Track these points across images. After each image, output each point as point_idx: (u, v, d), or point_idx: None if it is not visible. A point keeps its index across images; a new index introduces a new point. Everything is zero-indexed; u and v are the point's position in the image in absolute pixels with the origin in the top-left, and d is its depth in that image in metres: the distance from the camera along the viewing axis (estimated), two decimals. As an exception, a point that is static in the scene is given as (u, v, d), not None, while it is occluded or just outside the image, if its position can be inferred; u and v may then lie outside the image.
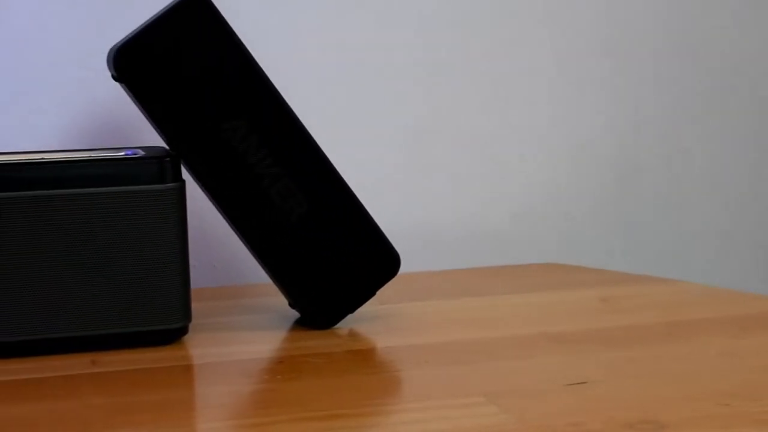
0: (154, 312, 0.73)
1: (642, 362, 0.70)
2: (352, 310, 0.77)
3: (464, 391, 0.65)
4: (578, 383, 0.65)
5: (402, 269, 0.78)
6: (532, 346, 0.74)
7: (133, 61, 0.72)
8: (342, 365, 0.70)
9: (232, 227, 0.77)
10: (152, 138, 0.82)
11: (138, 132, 0.88)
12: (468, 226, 0.99)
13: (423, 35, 0.98)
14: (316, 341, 0.75)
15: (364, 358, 0.73)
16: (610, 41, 1.02)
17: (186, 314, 0.74)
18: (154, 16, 0.73)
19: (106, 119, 0.90)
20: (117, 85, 0.75)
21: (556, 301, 0.86)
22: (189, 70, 0.73)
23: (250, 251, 0.77)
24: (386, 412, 0.64)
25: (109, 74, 0.75)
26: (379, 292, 0.78)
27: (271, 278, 0.78)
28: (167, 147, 0.76)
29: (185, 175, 0.74)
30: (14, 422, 0.61)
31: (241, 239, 0.77)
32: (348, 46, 0.96)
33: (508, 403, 0.62)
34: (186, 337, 0.75)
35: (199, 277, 0.79)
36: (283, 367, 0.70)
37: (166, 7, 0.73)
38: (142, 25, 0.74)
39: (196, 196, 0.77)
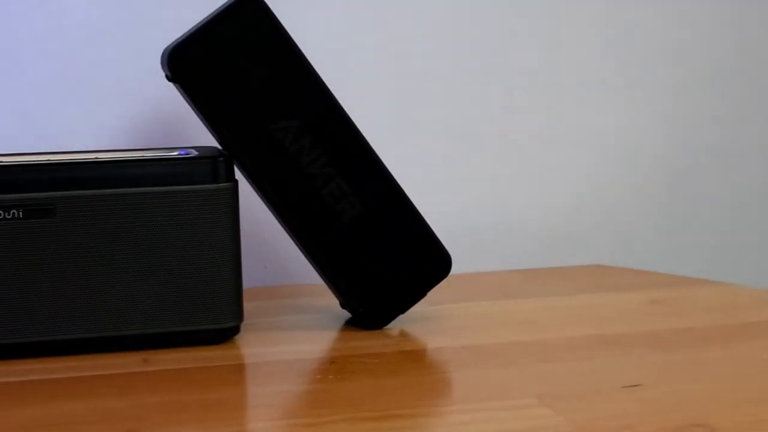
0: (207, 311, 0.73)
1: (695, 366, 0.70)
2: (403, 310, 0.77)
3: (516, 392, 0.65)
4: (632, 386, 0.65)
5: (452, 270, 0.78)
6: (584, 348, 0.73)
7: (187, 62, 0.73)
8: (393, 366, 0.70)
9: (284, 227, 0.77)
10: (204, 138, 0.82)
11: (189, 132, 0.88)
12: (517, 227, 0.99)
13: (469, 37, 0.97)
14: (367, 341, 0.75)
15: (415, 358, 0.73)
16: (664, 42, 1.02)
17: (238, 314, 0.74)
18: (208, 16, 0.74)
19: (158, 119, 0.91)
20: (169, 85, 0.76)
21: (605, 303, 0.86)
22: (242, 71, 0.73)
23: (301, 251, 0.77)
24: (439, 413, 0.64)
25: (162, 74, 0.76)
26: (429, 293, 0.78)
27: (322, 278, 0.78)
28: (220, 147, 0.77)
29: (238, 175, 0.75)
30: (68, 419, 0.61)
31: (293, 239, 0.77)
32: (397, 48, 0.96)
33: (562, 405, 0.62)
34: (237, 337, 0.75)
35: (249, 277, 0.79)
36: (335, 367, 0.70)
37: (220, 7, 0.74)
38: (195, 25, 0.74)
39: (247, 196, 0.77)
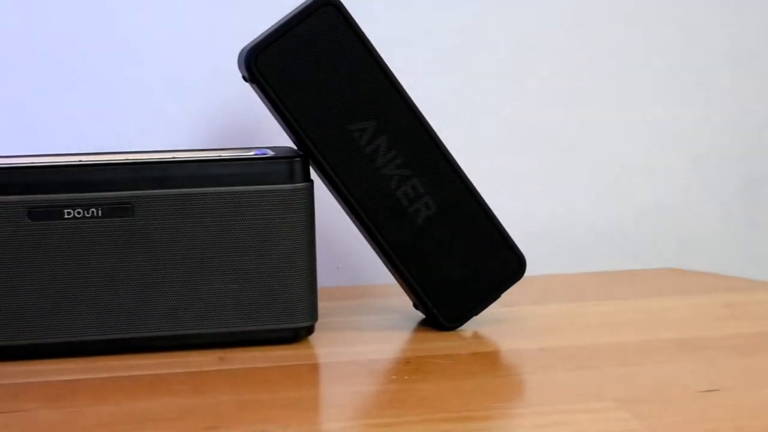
0: (282, 311, 0.74)
1: (773, 370, 0.69)
2: (477, 312, 0.77)
3: (593, 395, 0.65)
4: (710, 390, 0.64)
5: (526, 272, 0.78)
6: (660, 351, 0.73)
7: (265, 62, 0.73)
8: (468, 367, 0.70)
9: (358, 228, 0.77)
10: (276, 138, 0.83)
11: (262, 132, 0.89)
12: (590, 229, 0.98)
13: (540, 36, 0.97)
14: (441, 342, 0.75)
15: (489, 360, 0.72)
16: (738, 47, 1.01)
17: (313, 313, 0.75)
18: (285, 17, 0.74)
19: (230, 120, 0.91)
20: (244, 85, 0.76)
21: (679, 306, 0.85)
22: (319, 72, 0.74)
23: (375, 252, 0.77)
24: (515, 416, 0.64)
25: (237, 75, 0.76)
26: (502, 295, 0.78)
27: (395, 279, 0.78)
28: (295, 147, 0.77)
29: (312, 175, 0.75)
30: (145, 416, 0.62)
31: (367, 240, 0.77)
32: (471, 48, 0.96)
33: (639, 408, 0.62)
34: (311, 336, 0.76)
35: (321, 277, 0.80)
36: (410, 367, 0.70)
37: (296, 9, 0.74)
38: (272, 26, 0.74)
39: (320, 197, 0.77)
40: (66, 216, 0.71)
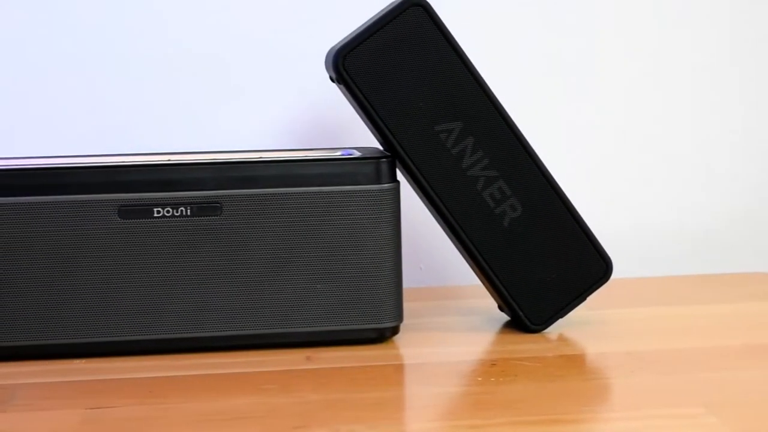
0: (368, 311, 0.74)
1: None
2: (563, 314, 0.77)
3: (682, 401, 0.64)
4: (802, 397, 0.64)
5: (612, 275, 0.77)
6: (751, 357, 0.72)
7: (352, 64, 0.73)
8: (555, 370, 0.70)
9: (444, 229, 0.77)
10: (364, 139, 0.83)
11: (349, 133, 0.89)
12: (678, 232, 0.97)
13: (634, 36, 0.96)
14: (527, 345, 0.74)
15: (576, 363, 0.72)
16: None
17: (398, 314, 0.75)
18: (372, 18, 0.74)
19: (319, 120, 0.92)
20: (331, 86, 0.76)
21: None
22: (406, 73, 0.74)
23: (461, 253, 0.77)
24: (603, 420, 0.63)
25: (324, 76, 0.77)
26: (588, 298, 0.77)
27: (480, 280, 0.78)
28: (382, 148, 0.77)
29: (398, 176, 0.75)
30: (234, 414, 0.63)
31: (452, 241, 0.77)
32: (558, 49, 0.95)
33: (730, 414, 0.61)
34: (396, 337, 0.76)
35: (404, 277, 0.80)
36: (496, 369, 0.70)
37: (384, 9, 0.74)
38: (360, 27, 0.75)
39: (404, 197, 0.77)
40: (155, 215, 0.72)
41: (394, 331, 0.75)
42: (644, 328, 0.79)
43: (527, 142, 0.75)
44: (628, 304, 0.85)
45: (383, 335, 0.75)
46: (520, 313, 0.77)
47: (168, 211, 0.72)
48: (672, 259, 0.97)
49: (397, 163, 0.75)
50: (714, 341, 0.76)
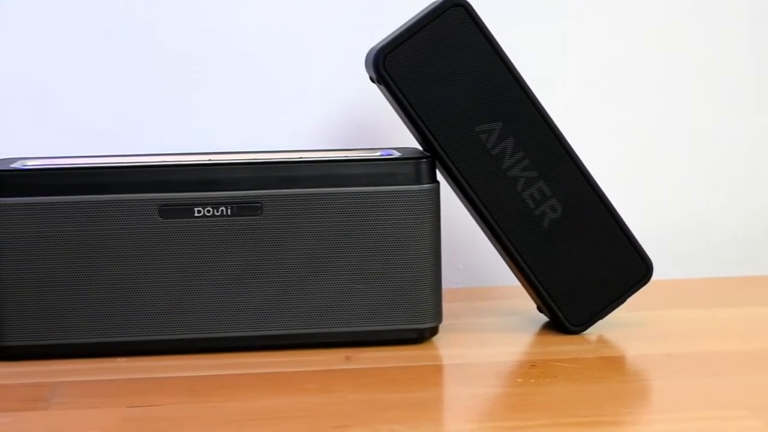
0: (407, 311, 0.74)
1: None
2: (602, 316, 0.77)
3: (724, 403, 0.64)
4: None
5: (653, 276, 0.77)
6: (792, 360, 0.72)
7: (393, 64, 0.73)
8: (595, 371, 0.69)
9: (483, 229, 0.77)
10: (404, 139, 0.83)
11: (388, 133, 0.89)
12: (719, 234, 0.97)
13: (673, 37, 0.96)
14: (566, 346, 0.74)
15: (616, 365, 0.72)
16: None
17: (437, 314, 0.75)
18: (413, 19, 0.74)
19: (358, 120, 0.92)
20: (371, 86, 0.76)
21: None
22: (447, 73, 0.74)
23: (500, 254, 0.77)
24: (644, 422, 0.63)
25: (364, 76, 0.77)
26: (628, 299, 0.77)
27: (519, 281, 0.78)
28: (421, 148, 0.77)
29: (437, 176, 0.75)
30: (276, 413, 0.63)
31: (491, 242, 0.77)
32: (598, 50, 0.95)
33: (773, 417, 0.61)
34: (435, 337, 0.76)
35: (443, 278, 0.80)
36: (536, 371, 0.69)
37: (424, 10, 0.74)
38: (400, 28, 0.75)
39: (442, 198, 0.77)
40: (196, 214, 0.72)
41: (433, 331, 0.75)
42: (685, 330, 0.79)
43: (567, 142, 0.75)
44: (668, 305, 0.85)
45: (422, 336, 0.75)
46: (560, 315, 0.76)
47: (208, 211, 0.72)
48: (713, 260, 0.96)
49: (437, 163, 0.75)
50: (756, 344, 0.75)
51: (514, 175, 0.75)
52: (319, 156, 0.76)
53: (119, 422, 0.62)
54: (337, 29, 0.92)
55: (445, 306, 0.76)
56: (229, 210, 0.72)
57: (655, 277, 0.77)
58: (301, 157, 0.75)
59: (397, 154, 0.76)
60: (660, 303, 0.84)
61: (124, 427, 0.61)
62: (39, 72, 0.90)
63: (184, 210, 0.72)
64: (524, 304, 0.81)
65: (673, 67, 0.96)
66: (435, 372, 0.71)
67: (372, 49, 0.75)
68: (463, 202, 0.77)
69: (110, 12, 0.90)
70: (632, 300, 0.77)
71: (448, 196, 0.78)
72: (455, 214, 0.82)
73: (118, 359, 0.72)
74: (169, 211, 0.72)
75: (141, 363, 0.71)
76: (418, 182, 0.73)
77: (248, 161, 0.73)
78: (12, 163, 0.75)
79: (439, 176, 0.75)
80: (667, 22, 0.96)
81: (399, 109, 0.75)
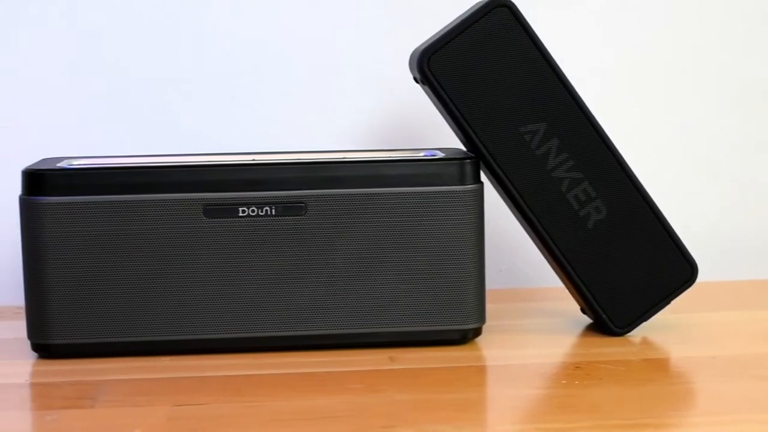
0: (451, 312, 0.74)
1: None
2: (647, 318, 0.76)
3: (769, 406, 0.64)
4: None
5: (698, 278, 0.77)
6: (840, 363, 0.71)
7: (437, 65, 0.73)
8: (639, 374, 0.69)
9: (527, 230, 0.77)
10: (446, 140, 0.83)
11: (431, 134, 0.89)
12: (765, 235, 0.96)
13: (718, 37, 0.95)
14: (610, 348, 0.74)
15: (660, 367, 0.71)
16: None
17: (481, 315, 0.75)
18: (457, 19, 0.74)
19: (402, 121, 0.92)
20: (414, 86, 0.76)
21: None
22: (491, 73, 0.74)
23: (544, 255, 0.77)
24: (691, 424, 0.63)
25: (408, 76, 0.77)
26: (672, 301, 0.77)
27: (563, 283, 0.78)
28: (464, 149, 0.77)
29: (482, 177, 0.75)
30: (322, 413, 0.63)
31: (535, 242, 0.77)
32: (645, 49, 0.94)
33: (820, 421, 0.60)
34: (479, 338, 0.76)
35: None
36: (580, 372, 0.69)
37: (469, 10, 0.74)
38: (444, 28, 0.75)
39: (485, 199, 0.77)
40: (241, 214, 0.72)
41: (477, 332, 0.75)
42: (729, 332, 0.78)
43: (612, 143, 0.75)
44: (713, 307, 0.84)
45: (466, 336, 0.75)
46: (604, 316, 0.76)
47: (253, 211, 0.72)
48: (759, 262, 0.95)
49: (481, 164, 0.75)
50: (802, 346, 0.75)
51: (559, 176, 0.75)
52: (364, 156, 0.76)
53: (165, 420, 0.62)
54: (382, 30, 0.92)
55: (488, 307, 0.76)
56: (273, 210, 0.72)
57: (699, 278, 0.77)
58: (345, 158, 0.75)
59: (441, 155, 0.76)
60: (704, 305, 0.84)
61: (169, 425, 0.61)
62: (85, 72, 0.90)
63: (229, 210, 0.72)
64: (567, 305, 0.81)
65: (724, 65, 0.95)
66: (478, 373, 0.71)
67: (416, 49, 0.75)
68: (506, 203, 0.77)
69: (153, 12, 0.90)
70: (676, 302, 0.77)
71: (491, 197, 0.78)
72: (496, 215, 0.82)
73: (162, 358, 0.73)
74: (213, 210, 0.72)
75: (185, 362, 0.72)
76: (462, 183, 0.73)
77: (293, 161, 0.74)
78: (57, 162, 0.75)
79: (483, 177, 0.75)
80: (717, 17, 0.95)
81: (443, 110, 0.75)
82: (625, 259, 0.76)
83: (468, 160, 0.74)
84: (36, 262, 0.72)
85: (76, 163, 0.75)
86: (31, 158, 0.79)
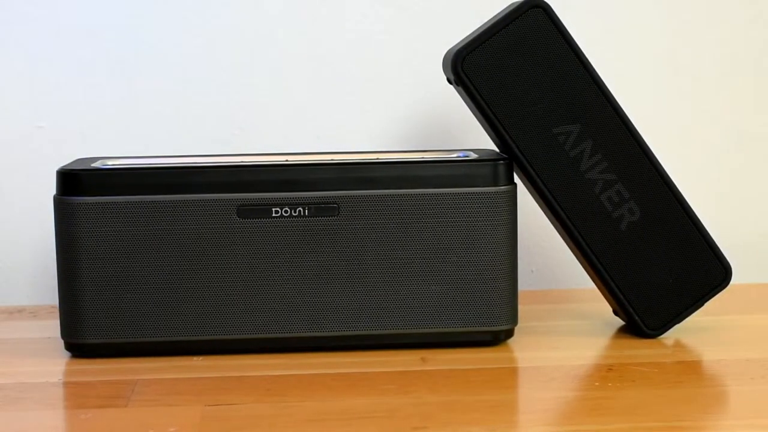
0: (483, 313, 0.74)
1: None
2: (680, 320, 0.76)
3: (805, 410, 0.63)
4: None
5: (731, 280, 0.76)
6: None
7: (471, 66, 0.73)
8: (673, 376, 0.69)
9: (560, 232, 0.77)
10: (478, 141, 0.83)
11: (464, 135, 0.89)
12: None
13: (761, 40, 0.95)
14: (643, 350, 0.74)
15: (694, 369, 0.71)
16: None
17: (513, 317, 0.75)
18: (491, 20, 0.74)
19: (435, 122, 0.92)
20: (447, 87, 0.76)
21: None
22: (525, 75, 0.73)
23: (577, 256, 0.77)
24: (725, 427, 0.62)
25: (441, 77, 0.77)
26: (705, 303, 0.77)
27: (596, 284, 0.78)
28: (497, 150, 0.77)
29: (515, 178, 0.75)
30: (354, 413, 0.63)
31: (568, 244, 0.77)
32: (682, 51, 0.94)
33: None
34: (511, 340, 0.76)
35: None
36: (613, 374, 0.69)
37: (503, 11, 0.74)
38: (478, 29, 0.75)
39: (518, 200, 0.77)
40: (274, 215, 0.73)
41: (509, 334, 0.75)
42: (764, 335, 0.78)
43: (646, 145, 0.75)
44: (746, 310, 0.84)
45: (498, 338, 0.75)
46: (637, 318, 0.76)
47: (286, 211, 0.73)
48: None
49: (514, 165, 0.75)
50: (837, 350, 0.74)
51: (592, 177, 0.74)
52: (397, 157, 0.76)
53: (198, 420, 0.62)
54: (415, 31, 0.92)
55: (520, 308, 0.76)
56: (306, 210, 0.73)
57: (732, 280, 0.77)
58: (378, 158, 0.75)
59: (474, 156, 0.75)
60: (738, 307, 0.83)
61: (203, 425, 0.61)
62: (121, 73, 0.91)
63: (262, 210, 0.73)
64: (599, 307, 0.81)
65: (763, 66, 0.95)
66: (511, 374, 0.71)
67: (450, 50, 0.75)
68: (539, 204, 0.77)
69: (193, 12, 0.91)
70: (710, 304, 0.77)
71: (523, 198, 0.77)
72: (530, 216, 0.82)
73: (195, 358, 0.73)
74: (246, 211, 0.72)
75: (218, 362, 0.72)
76: (496, 184, 0.73)
77: (326, 162, 0.74)
78: (92, 162, 0.76)
79: (516, 178, 0.75)
80: (754, 17, 0.95)
81: (476, 111, 0.75)
82: (658, 260, 0.75)
83: (501, 162, 0.74)
84: (70, 262, 0.72)
85: (111, 164, 0.75)
86: (65, 158, 0.79)
